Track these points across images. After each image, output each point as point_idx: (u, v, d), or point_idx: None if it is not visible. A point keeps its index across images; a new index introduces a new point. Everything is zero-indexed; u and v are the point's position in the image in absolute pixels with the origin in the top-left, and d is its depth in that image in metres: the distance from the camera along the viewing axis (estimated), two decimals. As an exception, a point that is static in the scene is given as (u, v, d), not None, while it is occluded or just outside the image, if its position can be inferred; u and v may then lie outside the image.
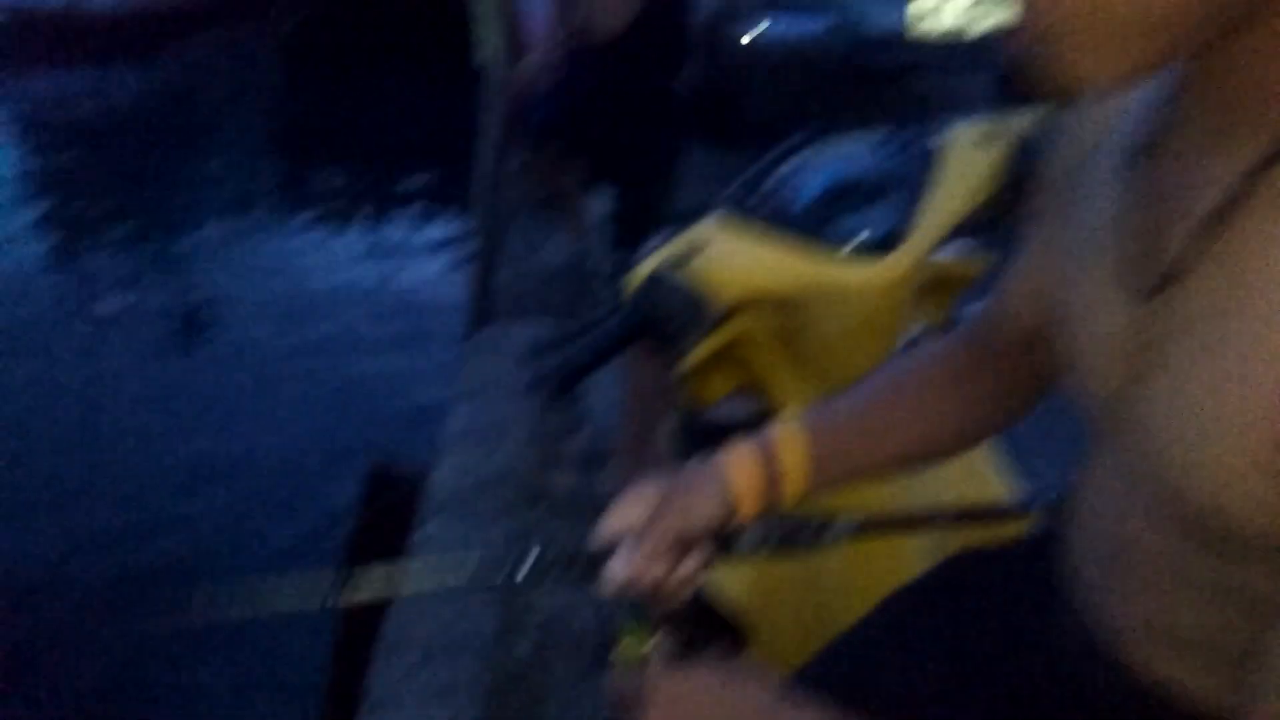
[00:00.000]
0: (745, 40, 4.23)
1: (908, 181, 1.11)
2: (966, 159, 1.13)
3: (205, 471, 3.57)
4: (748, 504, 0.79)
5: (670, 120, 2.29)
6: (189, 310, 5.51)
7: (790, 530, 0.81)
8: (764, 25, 4.17)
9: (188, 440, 3.82)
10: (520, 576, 0.78)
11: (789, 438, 0.80)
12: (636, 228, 2.17)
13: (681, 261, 1.14)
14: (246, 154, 9.77)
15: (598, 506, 0.81)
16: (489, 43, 3.45)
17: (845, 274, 1.09)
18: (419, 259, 6.07)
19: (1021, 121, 1.15)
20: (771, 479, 0.79)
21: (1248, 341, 0.48)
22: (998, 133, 1.14)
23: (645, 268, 1.14)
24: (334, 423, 3.68)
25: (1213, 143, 0.52)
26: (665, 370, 1.31)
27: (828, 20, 4.13)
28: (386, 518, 2.36)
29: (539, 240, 3.82)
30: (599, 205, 3.60)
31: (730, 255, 1.13)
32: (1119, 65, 0.48)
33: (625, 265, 2.06)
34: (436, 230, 6.55)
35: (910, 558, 1.12)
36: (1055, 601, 0.73)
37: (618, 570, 0.76)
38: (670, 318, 1.08)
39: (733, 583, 1.24)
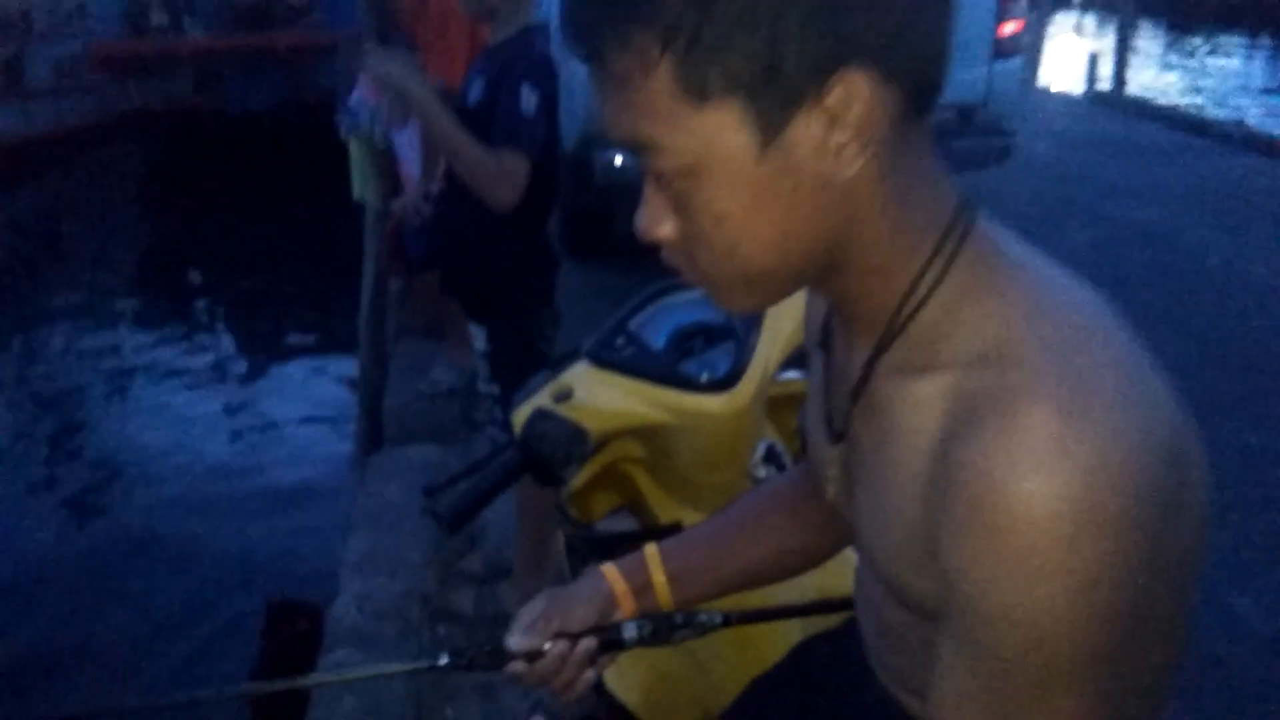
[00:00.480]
0: (617, 162, 4.51)
1: (745, 322, 1.32)
2: (792, 299, 1.35)
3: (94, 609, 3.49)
4: (625, 606, 0.97)
5: (543, 257, 2.36)
6: (64, 461, 5.36)
7: (661, 624, 0.98)
8: (628, 154, 4.47)
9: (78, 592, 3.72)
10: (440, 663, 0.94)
11: (653, 556, 0.99)
12: (512, 361, 2.23)
13: (559, 399, 1.32)
14: (108, 285, 9.58)
15: (499, 621, 0.98)
16: (366, 179, 3.64)
17: (698, 404, 1.29)
18: (299, 386, 6.06)
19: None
20: (642, 588, 0.97)
21: (891, 475, 0.68)
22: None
23: (527, 407, 1.32)
24: (222, 574, 3.61)
25: (848, 340, 0.75)
26: (552, 492, 1.48)
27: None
28: (289, 650, 2.40)
29: (424, 365, 3.95)
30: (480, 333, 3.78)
31: (600, 393, 1.32)
32: (751, 301, 0.71)
33: (507, 392, 2.23)
34: (316, 359, 6.57)
35: (781, 646, 1.30)
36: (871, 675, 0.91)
37: (514, 644, 0.93)
38: (555, 449, 1.25)
39: (629, 681, 1.39)
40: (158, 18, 13.50)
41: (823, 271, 0.68)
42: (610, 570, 0.98)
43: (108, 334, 7.60)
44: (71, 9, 15.05)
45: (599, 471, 1.45)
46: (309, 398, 5.49)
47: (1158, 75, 23.35)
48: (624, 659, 1.43)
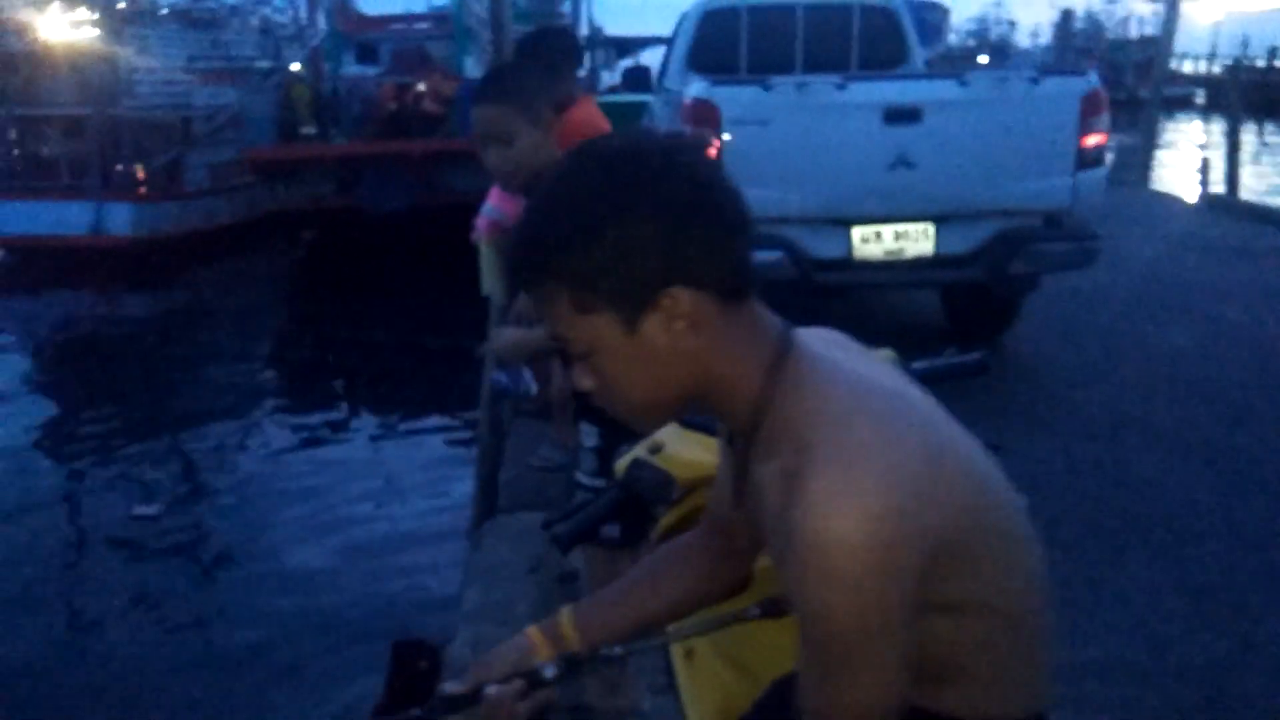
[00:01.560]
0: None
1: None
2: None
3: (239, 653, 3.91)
4: (543, 654, 1.21)
5: None
6: (207, 518, 5.92)
7: (571, 660, 1.20)
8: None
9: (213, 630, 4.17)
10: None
11: (566, 612, 1.26)
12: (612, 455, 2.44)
13: (653, 452, 1.62)
14: (253, 369, 10.38)
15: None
16: (494, 277, 4.08)
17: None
18: (426, 460, 6.55)
19: (884, 353, 1.68)
20: (556, 639, 1.23)
21: (767, 528, 1.00)
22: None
23: (628, 457, 1.63)
24: (357, 612, 4.03)
25: (737, 440, 1.08)
26: (619, 568, 1.76)
27: (782, 252, 4.80)
28: (412, 684, 2.72)
29: (534, 443, 4.30)
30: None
31: (685, 448, 1.62)
32: (648, 424, 1.13)
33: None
34: (443, 434, 7.07)
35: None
36: None
37: (449, 688, 1.19)
38: (648, 490, 1.55)
39: (701, 712, 1.64)
40: (306, 127, 14.70)
41: (696, 400, 1.05)
42: (531, 629, 1.25)
43: (253, 402, 8.31)
44: (228, 119, 16.58)
45: (684, 515, 1.74)
46: (430, 465, 5.96)
47: (1278, 179, 22.81)
48: (687, 695, 1.70)
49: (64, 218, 14.90)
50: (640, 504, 1.57)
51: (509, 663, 1.20)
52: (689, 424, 1.66)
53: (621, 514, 1.59)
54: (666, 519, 1.69)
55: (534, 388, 2.69)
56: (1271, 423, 4.54)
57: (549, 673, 1.17)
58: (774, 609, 1.27)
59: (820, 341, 1.07)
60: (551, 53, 3.69)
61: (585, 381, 1.05)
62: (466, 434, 6.94)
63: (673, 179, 0.97)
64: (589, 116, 3.58)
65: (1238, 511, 3.66)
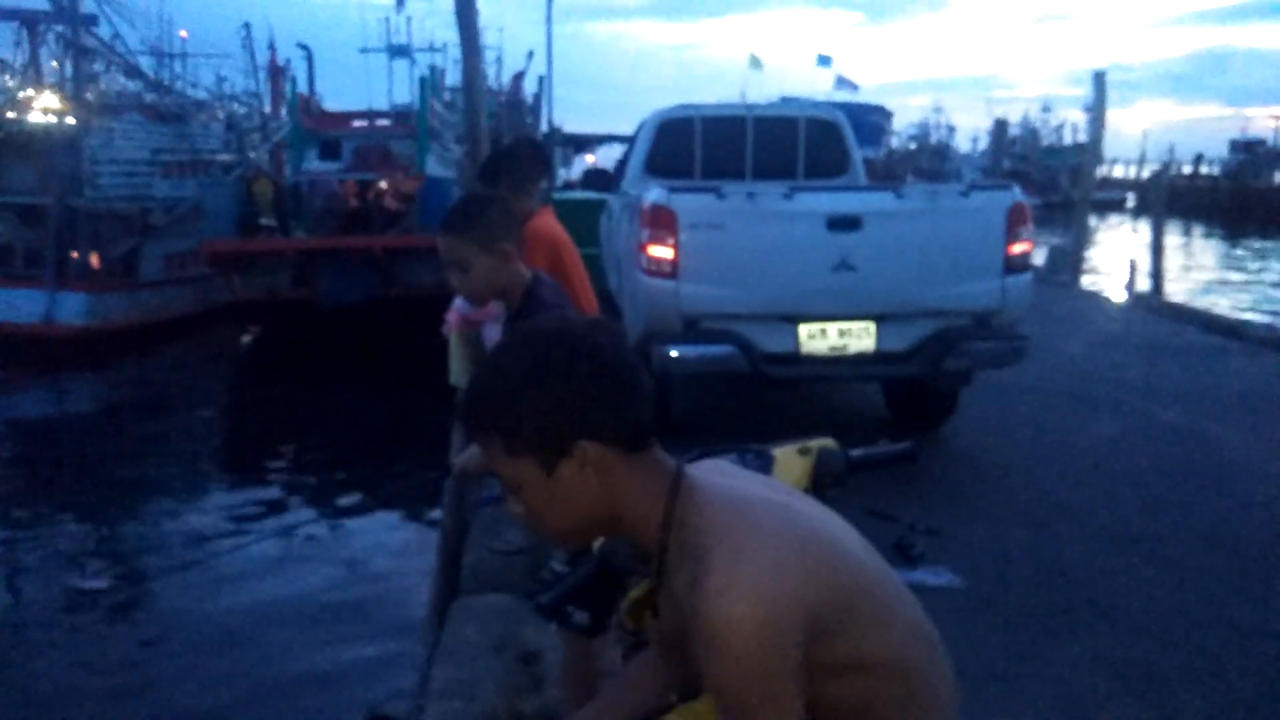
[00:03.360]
0: (673, 355, 5.15)
1: (761, 473, 1.85)
2: (790, 464, 1.89)
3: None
4: None
5: None
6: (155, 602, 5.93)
7: None
8: (683, 349, 5.14)
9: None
10: None
11: None
12: None
13: (620, 530, 1.84)
14: (201, 453, 10.36)
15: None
16: (463, 367, 4.31)
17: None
18: (378, 541, 6.63)
19: (824, 441, 1.93)
20: None
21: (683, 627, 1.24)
22: (809, 448, 1.92)
23: (599, 534, 1.84)
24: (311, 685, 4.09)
25: (650, 562, 1.33)
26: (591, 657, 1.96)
27: (734, 346, 5.10)
28: (384, 758, 2.84)
29: (498, 528, 4.47)
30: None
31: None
32: (566, 546, 1.58)
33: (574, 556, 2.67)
34: (406, 519, 7.17)
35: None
36: None
37: None
38: (622, 563, 1.77)
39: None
40: (267, 220, 14.92)
41: (609, 529, 1.32)
42: None
43: (202, 484, 8.32)
44: (188, 210, 16.77)
45: (649, 590, 1.95)
46: (388, 546, 6.06)
47: (1203, 278, 23.98)
48: None
49: (16, 305, 14.89)
50: (615, 576, 1.78)
51: None
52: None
53: (597, 585, 1.79)
54: (636, 591, 1.91)
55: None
56: (1189, 511, 4.86)
57: None
58: (687, 692, 1.50)
59: (707, 472, 1.33)
60: (523, 163, 4.00)
61: (516, 509, 1.30)
62: (418, 516, 7.07)
63: (586, 356, 1.24)
64: (548, 227, 3.92)
65: (1157, 594, 3.93)
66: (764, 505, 1.25)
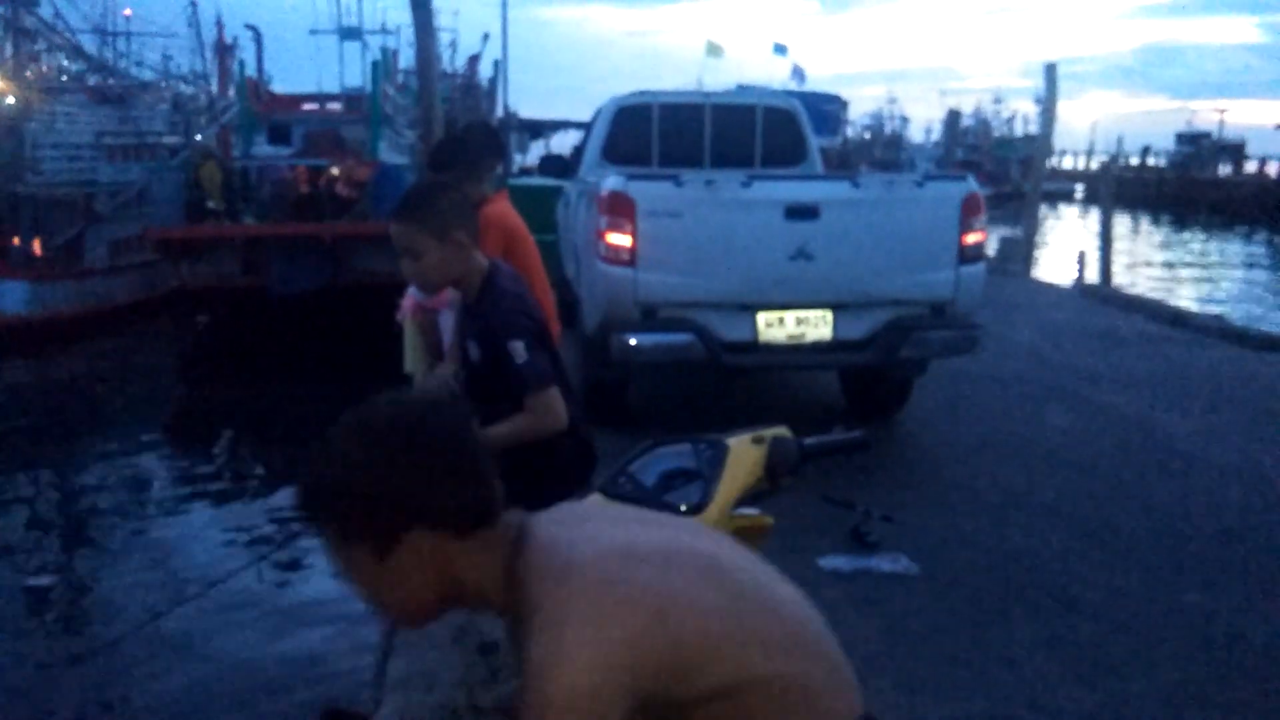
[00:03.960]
0: (631, 343, 5.11)
1: (712, 468, 1.83)
2: (744, 453, 1.87)
3: None
4: None
5: (566, 449, 2.53)
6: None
7: None
8: (641, 337, 5.11)
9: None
10: None
11: None
12: None
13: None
14: (148, 444, 10.13)
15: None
16: (416, 355, 4.24)
17: (680, 525, 1.78)
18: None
19: (778, 430, 1.92)
20: None
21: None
22: (763, 437, 1.90)
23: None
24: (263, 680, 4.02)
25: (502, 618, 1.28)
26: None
27: (692, 335, 5.08)
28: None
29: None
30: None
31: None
32: (406, 624, 1.31)
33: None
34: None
35: None
36: None
37: None
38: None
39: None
40: (215, 205, 14.61)
41: (455, 602, 1.25)
42: None
43: (148, 475, 8.15)
44: (133, 195, 16.39)
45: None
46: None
47: (1149, 268, 24.50)
48: None
49: (-44, 295, 14.45)
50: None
51: None
52: (610, 493, 1.85)
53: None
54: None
55: None
56: (1138, 497, 4.95)
57: None
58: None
59: (553, 524, 1.28)
60: (477, 148, 3.94)
61: (358, 593, 1.27)
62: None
63: (420, 444, 1.21)
64: (501, 213, 3.86)
65: (1110, 579, 3.99)
66: (597, 560, 1.19)
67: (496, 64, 25.76)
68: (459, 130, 4.43)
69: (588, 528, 1.26)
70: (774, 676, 1.20)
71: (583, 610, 1.12)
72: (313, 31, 30.84)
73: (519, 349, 2.40)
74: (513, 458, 2.53)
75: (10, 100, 16.79)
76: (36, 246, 15.65)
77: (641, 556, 1.20)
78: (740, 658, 1.18)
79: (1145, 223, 40.72)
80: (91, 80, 21.01)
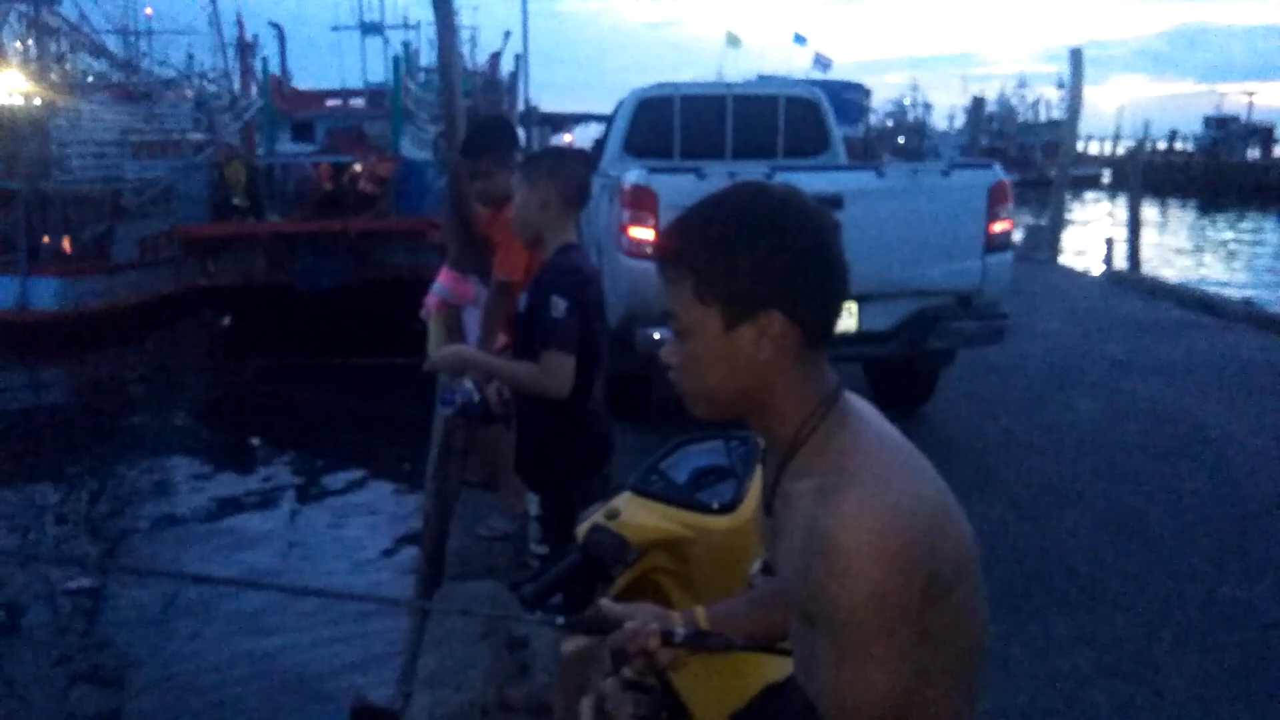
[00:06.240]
0: (655, 337, 5.10)
1: (745, 465, 1.82)
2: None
3: None
4: (678, 622, 1.43)
5: (582, 431, 2.62)
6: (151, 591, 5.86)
7: (698, 633, 1.41)
8: (666, 331, 5.08)
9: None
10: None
11: (700, 610, 1.49)
12: (561, 528, 2.42)
13: (610, 518, 1.81)
14: (181, 442, 10.24)
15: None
16: (439, 349, 4.25)
17: (709, 523, 1.77)
18: (368, 530, 6.58)
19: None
20: (689, 620, 1.45)
21: (790, 532, 1.19)
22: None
23: (587, 523, 1.81)
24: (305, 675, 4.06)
25: (771, 458, 1.28)
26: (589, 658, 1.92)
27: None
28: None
29: (482, 514, 4.43)
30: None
31: (640, 514, 1.81)
32: (707, 412, 1.28)
33: (555, 544, 2.59)
34: (385, 503, 7.11)
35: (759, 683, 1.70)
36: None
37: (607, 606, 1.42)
38: (606, 553, 1.74)
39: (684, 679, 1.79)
40: (240, 202, 14.73)
41: (750, 408, 1.26)
42: (672, 612, 1.47)
43: (184, 474, 8.23)
44: (159, 192, 16.52)
45: (636, 578, 1.92)
46: (365, 532, 6.01)
47: (1179, 254, 24.17)
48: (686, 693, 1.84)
49: (-11, 292, 14.64)
50: (599, 566, 1.75)
51: (649, 614, 1.42)
52: (640, 491, 1.85)
53: (581, 575, 1.76)
54: (622, 580, 1.88)
55: (476, 394, 2.82)
56: (1169, 488, 4.89)
57: (679, 635, 1.38)
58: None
59: (860, 403, 1.30)
60: (502, 138, 3.96)
61: (671, 358, 1.27)
62: (399, 501, 7.01)
63: (805, 230, 1.22)
64: None
65: (1142, 571, 3.95)
66: (910, 454, 1.21)
67: (517, 58, 25.77)
68: (483, 121, 4.45)
69: (891, 427, 1.27)
70: (973, 651, 1.22)
71: (905, 485, 1.14)
72: (334, 28, 31.01)
73: (559, 305, 2.51)
74: (532, 441, 2.65)
75: (36, 99, 16.95)
76: (65, 243, 15.80)
77: (933, 474, 1.22)
78: (964, 618, 1.19)
79: (1174, 208, 40.17)
80: (115, 78, 21.17)
